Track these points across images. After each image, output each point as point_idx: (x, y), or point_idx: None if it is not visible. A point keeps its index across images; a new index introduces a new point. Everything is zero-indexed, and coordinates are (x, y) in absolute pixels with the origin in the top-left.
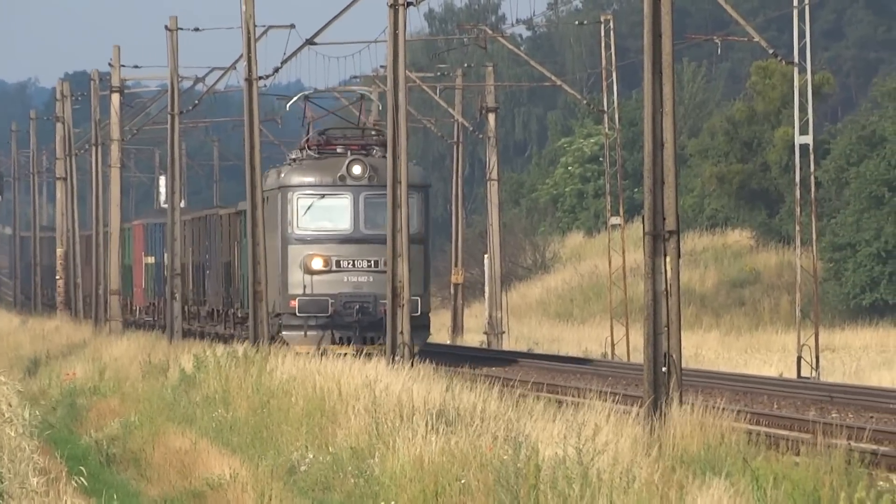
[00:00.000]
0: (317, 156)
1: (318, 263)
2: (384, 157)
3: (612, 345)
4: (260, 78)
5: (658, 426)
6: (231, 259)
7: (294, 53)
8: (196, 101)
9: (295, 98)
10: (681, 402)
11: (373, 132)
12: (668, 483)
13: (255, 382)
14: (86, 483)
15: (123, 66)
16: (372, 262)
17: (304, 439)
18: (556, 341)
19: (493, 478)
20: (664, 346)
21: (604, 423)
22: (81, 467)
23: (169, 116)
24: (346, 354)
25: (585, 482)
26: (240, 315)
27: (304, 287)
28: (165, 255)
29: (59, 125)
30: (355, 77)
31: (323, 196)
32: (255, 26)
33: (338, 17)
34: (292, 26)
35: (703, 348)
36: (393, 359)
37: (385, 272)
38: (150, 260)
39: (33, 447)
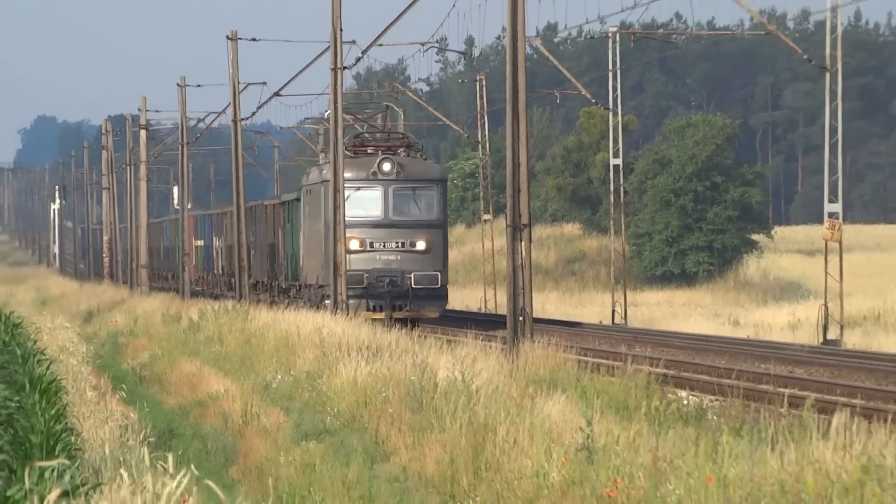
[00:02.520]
0: (352, 156)
1: (354, 244)
2: (409, 156)
3: (485, 302)
4: (242, 119)
5: (516, 357)
6: (275, 241)
7: (265, 102)
8: (198, 135)
9: (328, 112)
10: (532, 340)
11: (398, 135)
12: (524, 396)
13: (240, 327)
14: (125, 395)
15: (148, 110)
16: (399, 244)
17: (275, 366)
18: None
19: (405, 391)
20: (521, 302)
21: (479, 355)
22: (122, 385)
23: (179, 146)
24: (378, 319)
25: (467, 394)
26: (283, 286)
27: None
28: (214, 239)
29: (104, 152)
30: (308, 118)
31: (358, 188)
32: (238, 83)
33: (294, 78)
34: (264, 83)
35: (546, 304)
36: (336, 311)
37: (410, 252)
38: (200, 243)
39: (88, 371)
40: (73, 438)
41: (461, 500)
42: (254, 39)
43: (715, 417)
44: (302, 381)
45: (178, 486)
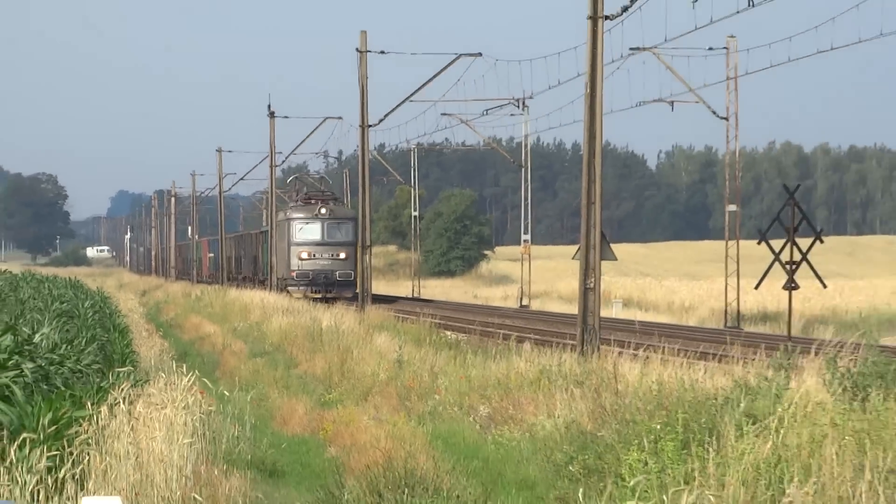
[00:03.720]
0: (303, 205)
1: (305, 255)
2: (335, 204)
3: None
4: (224, 192)
5: (363, 314)
6: (257, 254)
7: (236, 183)
8: (202, 199)
9: (293, 177)
10: (371, 305)
11: (329, 192)
12: (367, 334)
13: (221, 299)
14: (162, 334)
15: (177, 187)
16: (331, 255)
17: (239, 318)
18: None
19: (306, 332)
20: (367, 286)
21: (345, 313)
22: (161, 329)
23: (191, 206)
24: (317, 297)
25: (337, 333)
26: (261, 279)
27: (298, 267)
28: (219, 253)
29: (153, 209)
30: (258, 191)
31: (307, 223)
32: (222, 174)
33: (250, 172)
34: (235, 173)
35: (379, 288)
36: (270, 290)
37: (336, 259)
38: (212, 255)
39: (143, 321)
40: (135, 356)
41: (334, 388)
42: (230, 151)
43: (465, 345)
44: (253, 326)
45: (188, 381)
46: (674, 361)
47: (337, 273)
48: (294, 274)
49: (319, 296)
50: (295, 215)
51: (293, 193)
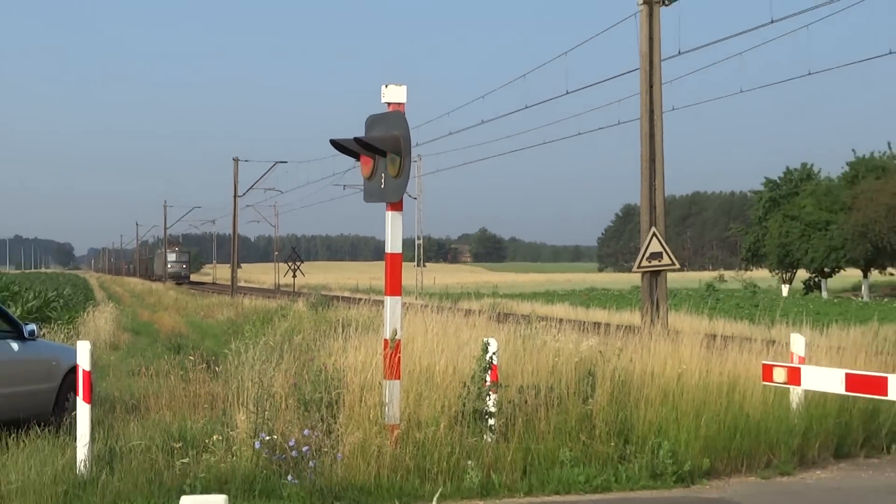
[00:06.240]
0: (171, 246)
1: (171, 266)
2: (183, 247)
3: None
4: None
5: (166, 284)
6: (149, 266)
7: (130, 243)
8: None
9: (170, 238)
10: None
11: (180, 242)
12: (166, 291)
13: (127, 281)
14: (104, 291)
15: (118, 242)
16: (180, 265)
17: (130, 287)
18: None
19: (150, 290)
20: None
21: (163, 285)
22: (104, 289)
23: (120, 250)
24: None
25: (159, 291)
26: (150, 276)
27: (168, 271)
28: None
29: (105, 254)
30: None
31: (172, 253)
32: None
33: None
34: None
35: None
36: (151, 279)
37: (184, 268)
38: (129, 265)
39: (98, 287)
40: (95, 297)
41: (157, 307)
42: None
43: (197, 294)
44: (133, 289)
45: (112, 306)
46: (260, 298)
47: (182, 273)
48: (169, 273)
49: (177, 283)
50: (169, 250)
51: (170, 244)
